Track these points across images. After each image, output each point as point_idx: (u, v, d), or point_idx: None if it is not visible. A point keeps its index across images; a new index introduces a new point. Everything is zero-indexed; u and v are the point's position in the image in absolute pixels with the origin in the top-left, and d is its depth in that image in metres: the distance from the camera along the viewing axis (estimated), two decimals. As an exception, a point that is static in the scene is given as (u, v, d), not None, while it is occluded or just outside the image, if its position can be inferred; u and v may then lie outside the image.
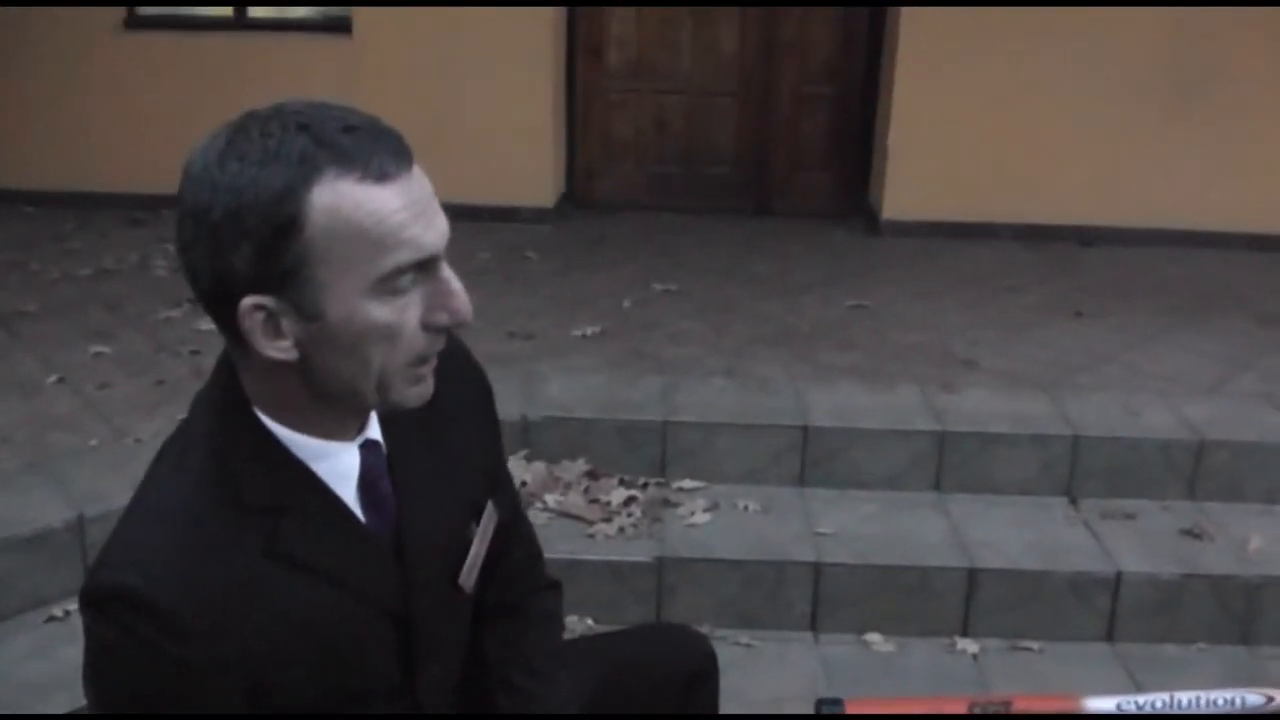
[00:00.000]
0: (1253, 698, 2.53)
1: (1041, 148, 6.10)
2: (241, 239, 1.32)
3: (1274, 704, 2.52)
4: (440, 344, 1.47)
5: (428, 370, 1.48)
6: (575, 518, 3.51)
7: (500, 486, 1.83)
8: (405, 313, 1.39)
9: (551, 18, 6.03)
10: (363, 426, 1.56)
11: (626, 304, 4.86)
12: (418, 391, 1.48)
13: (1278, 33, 6.01)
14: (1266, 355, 4.73)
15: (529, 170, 6.08)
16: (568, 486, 3.64)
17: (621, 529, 3.49)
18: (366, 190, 1.33)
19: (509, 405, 3.66)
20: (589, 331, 4.53)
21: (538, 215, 6.05)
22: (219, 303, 1.38)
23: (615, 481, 3.70)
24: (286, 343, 1.38)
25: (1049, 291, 5.41)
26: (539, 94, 6.07)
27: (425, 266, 1.39)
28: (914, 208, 6.10)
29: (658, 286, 5.08)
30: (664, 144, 6.39)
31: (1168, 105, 6.08)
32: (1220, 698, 2.52)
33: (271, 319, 1.37)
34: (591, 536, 3.44)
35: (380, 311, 1.37)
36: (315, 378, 1.42)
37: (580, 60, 6.35)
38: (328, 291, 1.35)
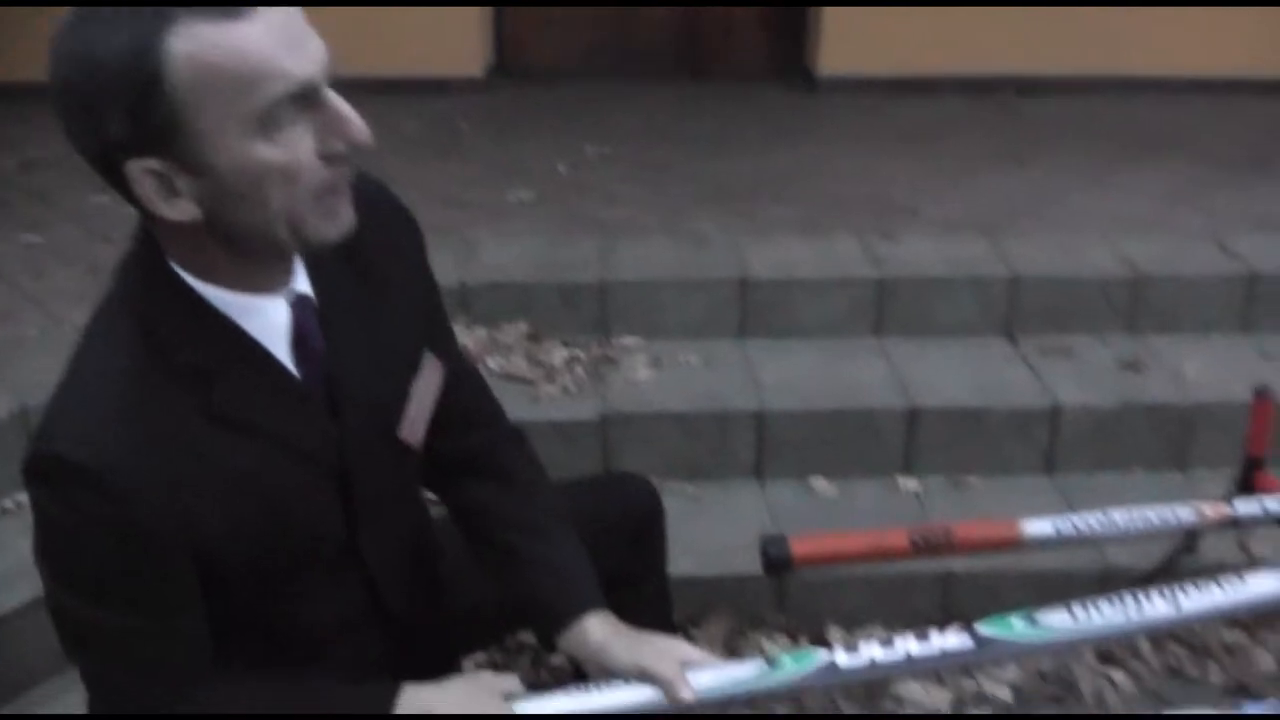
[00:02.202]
0: (1184, 513, 2.57)
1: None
2: (108, 104, 1.30)
3: (1204, 517, 2.56)
4: (345, 173, 1.44)
5: (339, 202, 1.45)
6: (518, 380, 3.50)
7: (440, 336, 1.81)
8: (297, 147, 1.36)
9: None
10: (290, 278, 1.54)
11: (561, 169, 4.82)
12: (335, 225, 1.46)
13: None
14: (1205, 193, 4.75)
15: (457, 40, 5.95)
16: (509, 350, 3.63)
17: (565, 389, 3.49)
18: (222, 29, 1.29)
19: (447, 272, 3.64)
20: (524, 197, 4.48)
21: (468, 85, 5.95)
22: (110, 173, 1.36)
23: (557, 343, 3.69)
24: (185, 202, 1.37)
25: (989, 141, 5.39)
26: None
27: (306, 96, 1.36)
28: (851, 65, 6.02)
29: (592, 151, 5.03)
30: (594, 10, 6.27)
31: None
32: (1153, 514, 2.55)
33: (163, 180, 1.35)
34: (536, 398, 3.44)
35: (269, 151, 1.34)
36: (225, 232, 1.40)
37: None
38: (210, 141, 1.33)
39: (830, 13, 5.99)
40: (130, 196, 1.38)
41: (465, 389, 1.89)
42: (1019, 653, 1.62)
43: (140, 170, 1.34)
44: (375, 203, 1.62)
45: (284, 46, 1.33)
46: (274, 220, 1.40)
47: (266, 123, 1.34)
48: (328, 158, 1.40)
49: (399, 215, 1.74)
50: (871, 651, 1.62)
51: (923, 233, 4.18)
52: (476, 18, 6.00)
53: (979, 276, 3.85)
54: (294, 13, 1.36)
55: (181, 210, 1.37)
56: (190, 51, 1.29)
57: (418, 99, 5.68)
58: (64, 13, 1.33)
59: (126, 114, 1.30)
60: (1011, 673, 2.96)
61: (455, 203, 4.39)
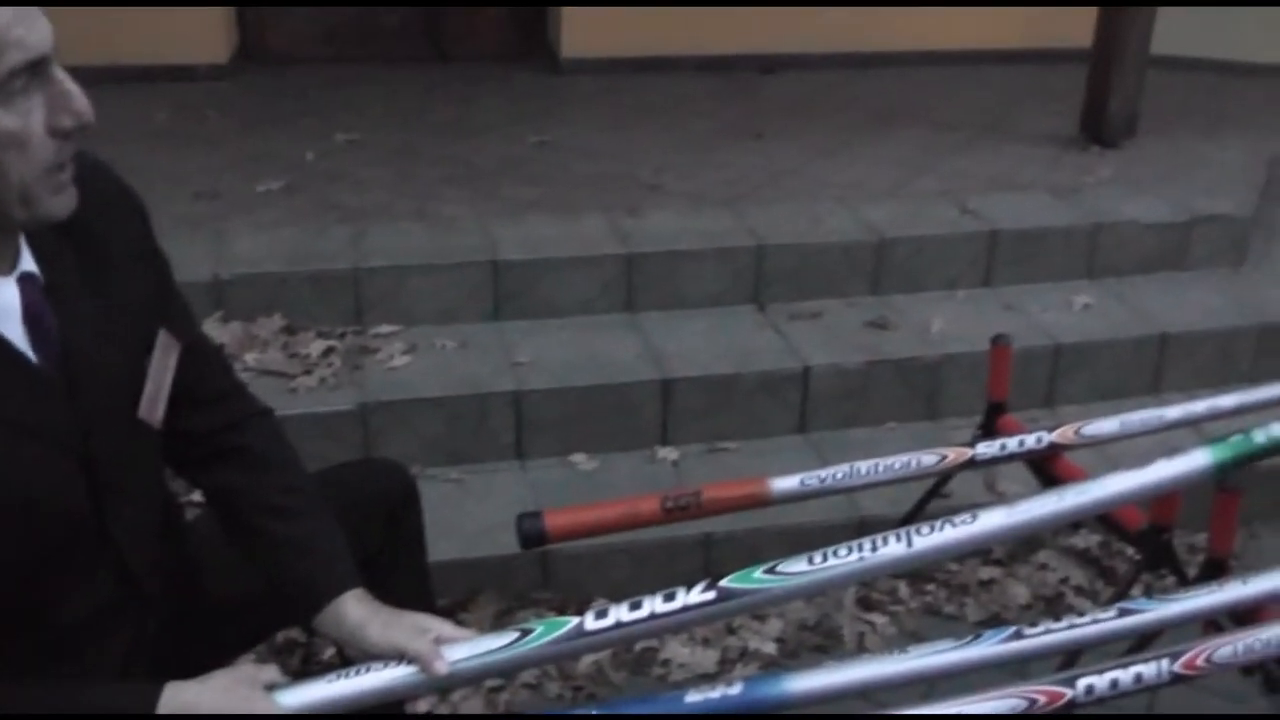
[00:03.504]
0: (927, 458, 2.68)
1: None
2: None
3: (946, 461, 2.68)
4: (71, 149, 1.46)
5: (67, 178, 1.47)
6: (276, 374, 3.46)
7: (174, 313, 1.79)
8: (29, 118, 1.39)
9: None
10: (16, 259, 1.52)
11: (310, 156, 4.75)
12: (62, 201, 1.48)
13: None
14: (943, 159, 4.96)
15: (199, 26, 5.79)
16: (265, 344, 3.58)
17: (323, 380, 3.46)
18: None
19: (199, 267, 3.58)
20: (274, 186, 4.41)
21: (213, 72, 5.81)
22: None
23: (312, 334, 3.65)
24: None
25: (731, 116, 5.51)
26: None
27: (37, 69, 1.39)
28: (593, 45, 6.08)
29: (340, 137, 4.98)
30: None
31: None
32: (897, 462, 2.66)
33: None
34: (294, 391, 3.40)
35: (3, 119, 1.37)
36: None
37: None
38: None
39: (571, -8, 6.03)
40: None
41: (204, 366, 1.87)
42: (761, 601, 1.68)
43: None
44: (94, 180, 1.60)
45: (20, 19, 1.36)
46: (7, 191, 1.41)
47: (2, 91, 1.36)
48: (56, 132, 1.42)
49: (119, 191, 1.72)
50: (619, 614, 1.66)
51: (668, 207, 4.26)
52: (218, 4, 5.87)
53: (725, 248, 3.95)
54: None
55: None
56: None
57: (164, 87, 5.54)
58: None
59: None
60: (775, 626, 3.06)
61: (205, 194, 4.29)
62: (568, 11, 6.06)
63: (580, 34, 6.09)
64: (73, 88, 1.43)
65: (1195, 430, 3.04)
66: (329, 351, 3.58)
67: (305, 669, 2.76)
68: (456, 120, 5.35)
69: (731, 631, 3.03)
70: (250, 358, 3.49)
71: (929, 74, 6.30)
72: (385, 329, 3.72)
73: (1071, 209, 4.37)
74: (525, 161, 4.79)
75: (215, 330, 3.54)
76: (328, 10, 6.16)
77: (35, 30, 1.38)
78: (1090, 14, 5.10)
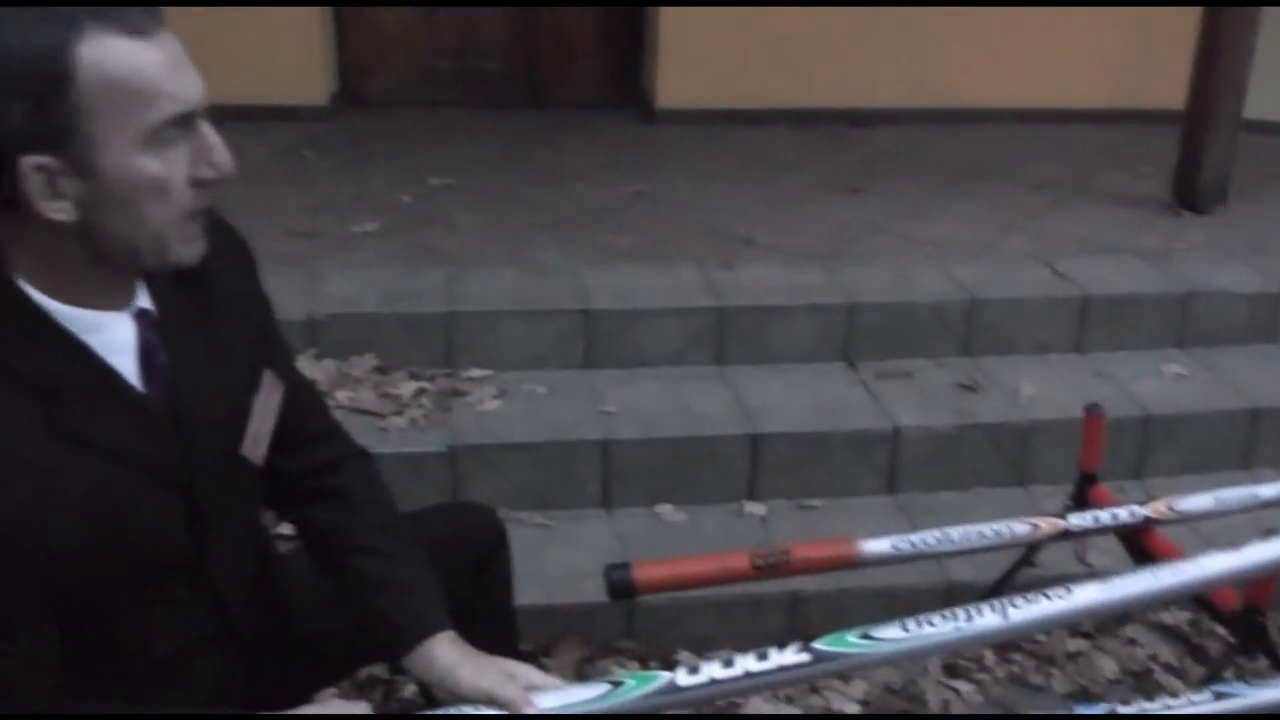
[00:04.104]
0: (1020, 527, 2.65)
1: (813, 32, 6.15)
2: (15, 97, 1.35)
3: (1038, 531, 2.65)
4: (207, 199, 1.52)
5: (198, 227, 1.53)
6: (367, 413, 3.49)
7: (277, 356, 1.83)
8: (173, 166, 1.45)
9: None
10: (133, 295, 1.56)
11: (405, 199, 4.81)
12: (192, 249, 1.53)
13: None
14: (1034, 218, 4.92)
15: (301, 68, 5.92)
16: (358, 382, 3.62)
17: (413, 421, 3.49)
18: (129, 45, 1.38)
19: (294, 304, 3.64)
20: (370, 228, 4.47)
21: (312, 114, 5.91)
22: None
23: (404, 374, 3.69)
24: (65, 203, 1.41)
25: (823, 171, 5.51)
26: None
27: (187, 121, 1.45)
28: (688, 96, 6.12)
29: (435, 181, 5.04)
30: (434, 38, 6.27)
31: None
32: (989, 530, 2.63)
33: (50, 179, 1.39)
34: (384, 430, 3.43)
35: (151, 165, 1.42)
36: (93, 239, 1.45)
37: None
38: (101, 147, 1.39)
39: (667, 43, 6.08)
40: (7, 194, 1.40)
41: (305, 408, 1.91)
42: (854, 666, 1.67)
43: (31, 165, 1.38)
44: (213, 226, 1.64)
45: (177, 72, 1.43)
46: (143, 234, 1.46)
47: (153, 139, 1.41)
48: (197, 182, 1.48)
49: (230, 237, 1.76)
50: (712, 671, 1.66)
51: (760, 261, 4.27)
52: (320, 44, 5.97)
53: (816, 304, 3.94)
54: (180, 45, 1.45)
55: (60, 211, 1.41)
56: (100, 60, 1.36)
57: (263, 126, 5.63)
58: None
59: (32, 108, 1.35)
60: (859, 688, 3.03)
61: (301, 233, 4.36)
62: (663, 61, 6.10)
63: (675, 84, 6.13)
64: (216, 141, 1.49)
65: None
66: (420, 393, 3.62)
67: (386, 706, 2.77)
68: (551, 167, 5.40)
69: (815, 690, 3.00)
70: (342, 396, 3.53)
71: (1019, 131, 6.27)
72: (476, 373, 3.74)
73: (1162, 275, 4.32)
74: (619, 210, 4.82)
75: (308, 368, 3.58)
76: (427, 54, 6.26)
77: (189, 84, 1.44)
78: (1182, 75, 5.06)
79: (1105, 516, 2.75)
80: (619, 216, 4.73)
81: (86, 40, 1.35)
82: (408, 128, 5.89)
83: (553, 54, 6.38)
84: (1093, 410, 3.02)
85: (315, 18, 5.93)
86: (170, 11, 1.46)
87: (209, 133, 1.49)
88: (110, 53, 1.37)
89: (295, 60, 5.89)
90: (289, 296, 3.62)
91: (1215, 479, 3.53)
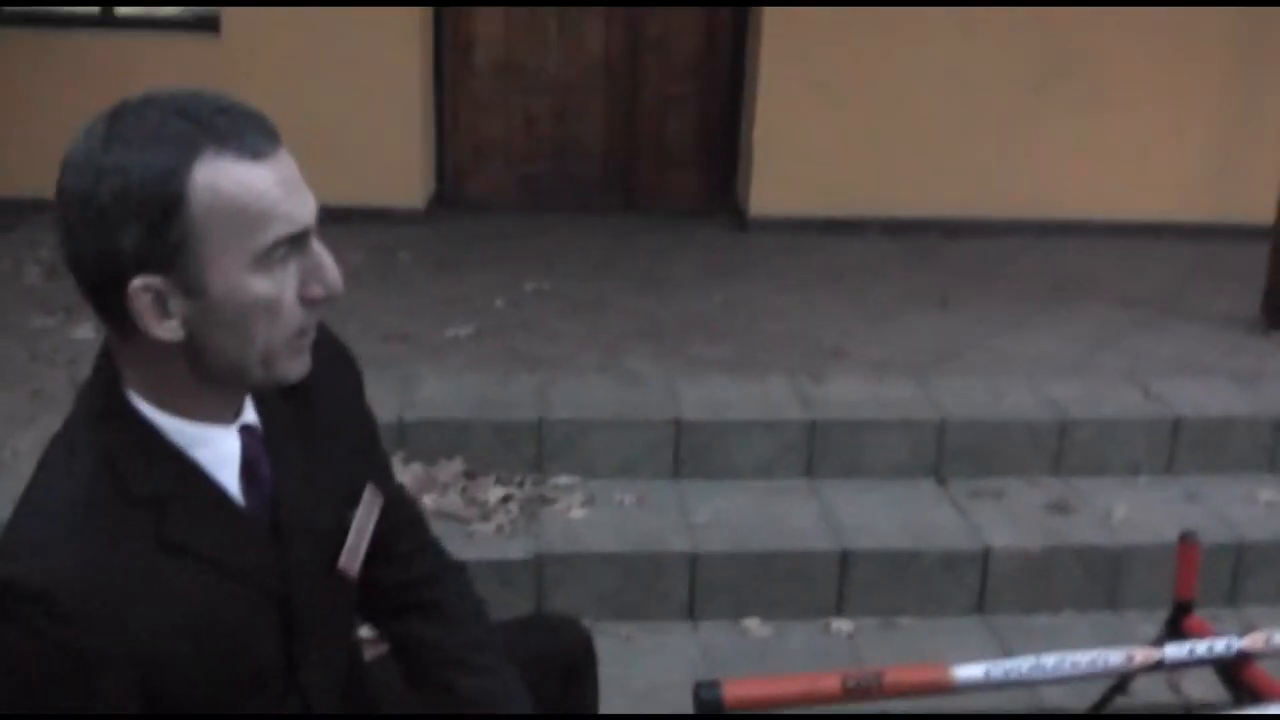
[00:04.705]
0: (1114, 657, 2.61)
1: (904, 143, 6.20)
2: (129, 219, 1.37)
3: (1135, 661, 2.61)
4: (316, 317, 1.53)
5: (307, 343, 1.54)
6: (453, 518, 3.52)
7: (378, 470, 1.85)
8: (283, 285, 1.46)
9: (419, 17, 6.01)
10: (240, 409, 1.58)
11: (499, 304, 4.87)
12: (299, 365, 1.54)
13: (1133, 27, 6.20)
14: (1126, 335, 4.88)
15: (399, 171, 6.05)
16: (445, 487, 3.65)
17: (499, 527, 3.51)
18: (243, 168, 1.40)
19: (385, 407, 3.67)
20: (463, 332, 4.53)
21: (409, 216, 6.03)
22: (107, 288, 1.42)
23: (492, 480, 3.71)
24: (174, 322, 1.43)
25: (915, 282, 5.51)
26: (408, 94, 6.04)
27: (298, 241, 1.46)
28: (781, 204, 6.17)
29: (530, 286, 5.10)
30: (533, 143, 6.40)
31: (1026, 99, 6.23)
32: (1084, 659, 2.59)
33: (159, 299, 1.41)
34: (470, 536, 3.45)
35: (261, 285, 1.43)
36: (201, 357, 1.47)
37: (448, 59, 6.32)
38: (211, 267, 1.41)
39: (761, 152, 6.14)
40: (119, 313, 1.42)
41: (403, 521, 1.92)
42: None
43: (142, 286, 1.39)
44: (321, 340, 1.66)
45: (290, 192, 1.44)
46: (251, 353, 1.47)
47: (264, 259, 1.42)
48: (307, 300, 1.49)
49: (338, 351, 1.79)
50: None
51: (851, 374, 4.26)
52: (419, 148, 6.09)
53: (907, 419, 3.93)
54: (295, 165, 1.47)
55: (169, 330, 1.43)
56: (213, 182, 1.38)
57: (360, 228, 5.74)
58: (79, 128, 1.41)
59: (145, 230, 1.37)
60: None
61: (395, 336, 4.42)
62: (757, 170, 6.16)
63: (768, 192, 6.18)
64: (327, 260, 1.50)
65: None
66: (507, 499, 3.63)
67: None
68: (645, 273, 5.44)
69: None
70: (429, 500, 3.56)
71: (1110, 245, 6.24)
72: (564, 480, 3.76)
73: (1255, 398, 4.25)
74: (711, 318, 4.84)
75: (396, 471, 3.59)
76: (525, 159, 6.37)
77: (301, 205, 1.45)
78: (1271, 191, 5.01)
79: (1201, 648, 2.71)
80: (711, 325, 4.75)
81: (202, 163, 1.38)
82: (504, 232, 5.98)
83: (649, 161, 6.47)
84: (1187, 538, 2.97)
85: (416, 121, 6.06)
86: (276, 108, 1.49)
87: (320, 251, 1.50)
88: (224, 176, 1.39)
89: (395, 163, 6.01)
90: (381, 399, 3.62)
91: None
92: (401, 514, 1.92)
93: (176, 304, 1.42)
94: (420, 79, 6.10)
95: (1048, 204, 6.35)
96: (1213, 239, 6.34)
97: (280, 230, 1.42)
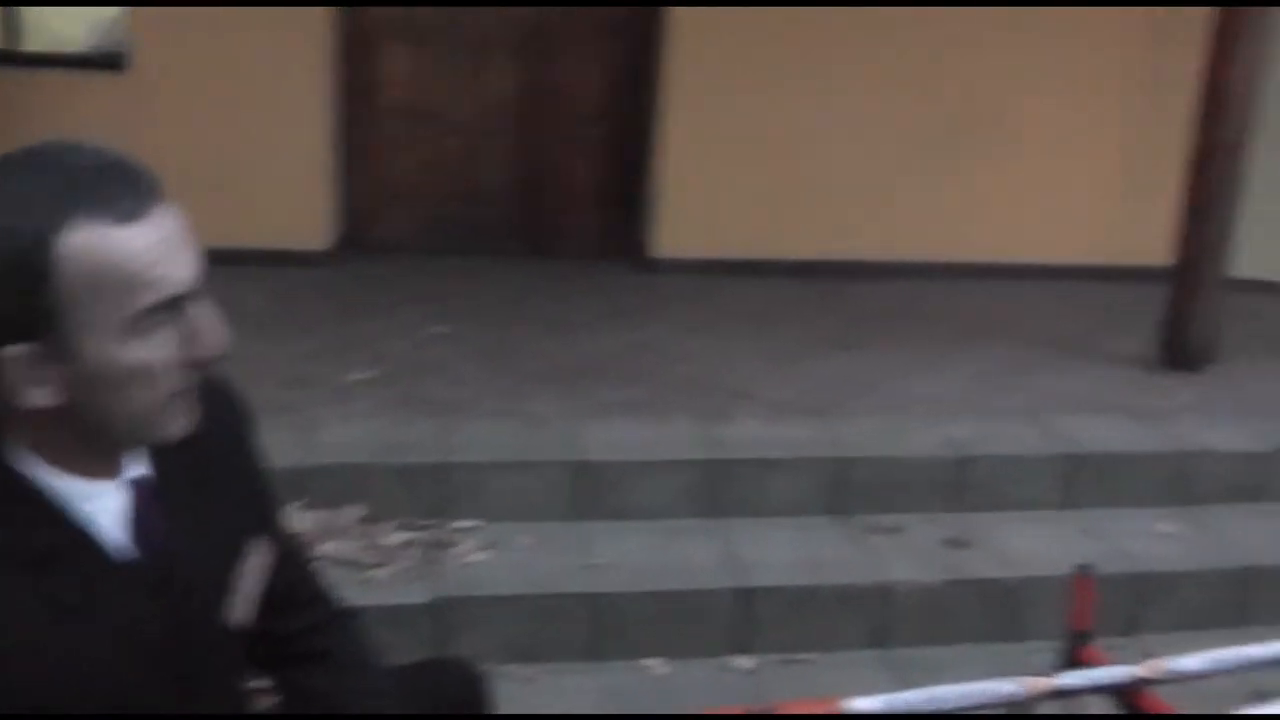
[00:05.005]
0: (1010, 686, 2.62)
1: (810, 186, 6.27)
2: None
3: (1029, 690, 2.62)
4: (198, 376, 1.50)
5: (188, 403, 1.51)
6: (353, 564, 3.48)
7: (270, 519, 1.83)
8: (162, 349, 1.42)
9: (325, 59, 5.98)
10: (128, 463, 1.56)
11: (403, 347, 4.85)
12: (180, 424, 1.51)
13: (1036, 75, 6.37)
14: (1026, 375, 4.96)
15: (304, 212, 6.00)
16: (345, 533, 3.62)
17: (400, 572, 3.48)
18: (116, 232, 1.36)
19: (285, 454, 3.61)
20: (366, 376, 4.50)
21: (314, 258, 5.97)
22: None
23: (393, 525, 3.69)
24: (48, 389, 1.40)
25: (818, 325, 5.56)
26: (313, 135, 6.00)
27: (176, 304, 1.42)
28: (686, 246, 6.21)
29: (434, 329, 5.08)
30: (439, 186, 6.36)
31: (931, 144, 6.34)
32: (980, 690, 2.60)
33: (32, 367, 1.38)
34: (369, 582, 3.42)
35: (137, 350, 1.40)
36: (79, 420, 1.44)
37: (355, 100, 6.25)
38: (84, 334, 1.37)
39: (666, 195, 6.19)
40: None
41: (295, 570, 1.90)
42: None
43: (12, 355, 1.37)
44: (213, 389, 1.64)
45: (167, 253, 1.39)
46: (130, 415, 1.44)
47: (139, 324, 1.39)
48: (188, 363, 1.46)
49: (230, 399, 1.76)
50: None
51: (755, 415, 4.29)
52: (324, 190, 6.05)
53: (809, 458, 3.96)
54: (177, 222, 1.43)
55: (43, 397, 1.40)
56: (83, 249, 1.34)
57: (263, 270, 5.68)
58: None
59: (13, 299, 1.34)
60: None
61: (296, 381, 4.38)
62: (662, 213, 6.20)
63: (674, 235, 6.22)
64: (209, 320, 1.46)
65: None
66: (408, 544, 3.61)
67: None
68: (550, 317, 5.45)
69: None
70: (328, 547, 3.52)
71: (1012, 288, 6.34)
72: (466, 523, 3.74)
73: (1153, 434, 4.34)
74: (615, 361, 4.85)
75: (295, 518, 3.57)
76: (431, 201, 6.34)
77: (179, 266, 1.41)
78: (1169, 234, 5.13)
79: (1097, 675, 2.73)
80: (616, 368, 4.76)
81: (70, 231, 1.34)
82: (409, 274, 5.95)
83: (555, 204, 6.47)
84: (1083, 570, 3.00)
85: (321, 162, 6.03)
86: (182, 147, 1.46)
87: (203, 312, 1.45)
88: (96, 242, 1.35)
89: (300, 204, 5.96)
90: (280, 445, 3.58)
91: (1209, 637, 3.50)
92: (293, 563, 1.90)
93: (50, 370, 1.39)
94: (326, 120, 6.05)
95: (952, 247, 6.45)
96: (1114, 281, 6.47)
97: (154, 295, 1.39)
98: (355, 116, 6.27)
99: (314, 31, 5.93)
